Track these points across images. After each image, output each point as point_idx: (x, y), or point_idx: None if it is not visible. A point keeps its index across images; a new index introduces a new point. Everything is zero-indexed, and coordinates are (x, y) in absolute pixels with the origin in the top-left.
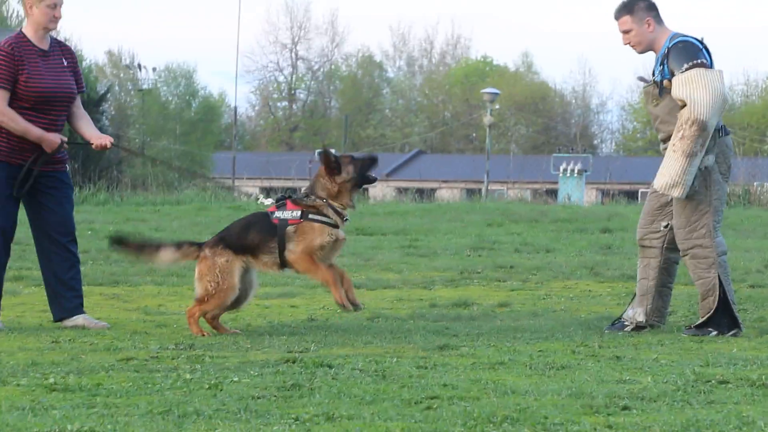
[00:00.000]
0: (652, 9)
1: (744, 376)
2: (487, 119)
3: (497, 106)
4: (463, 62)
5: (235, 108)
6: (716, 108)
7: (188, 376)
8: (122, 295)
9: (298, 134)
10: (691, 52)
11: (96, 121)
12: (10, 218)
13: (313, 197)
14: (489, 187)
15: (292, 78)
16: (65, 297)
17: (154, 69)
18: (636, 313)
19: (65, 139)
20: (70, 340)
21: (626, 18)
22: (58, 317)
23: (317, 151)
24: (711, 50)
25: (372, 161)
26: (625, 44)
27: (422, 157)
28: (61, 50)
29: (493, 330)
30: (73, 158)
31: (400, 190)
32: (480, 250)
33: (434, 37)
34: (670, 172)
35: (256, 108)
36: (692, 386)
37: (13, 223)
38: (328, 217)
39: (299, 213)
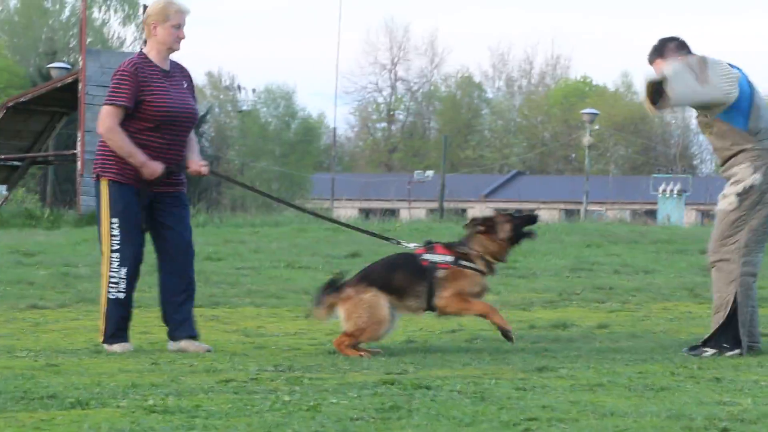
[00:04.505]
0: (683, 47)
1: None
2: (587, 140)
3: (596, 127)
4: (563, 83)
5: (335, 129)
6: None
7: (287, 398)
8: (221, 317)
9: (397, 155)
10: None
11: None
12: (139, 244)
13: (466, 247)
14: (588, 208)
15: (391, 99)
16: (176, 320)
17: (253, 90)
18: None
19: (162, 169)
20: (169, 361)
21: (659, 62)
22: (171, 337)
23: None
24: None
25: (531, 219)
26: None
27: (521, 178)
28: (181, 72)
29: (592, 351)
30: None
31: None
32: (579, 272)
33: (533, 57)
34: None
35: (355, 129)
36: None
37: (142, 248)
38: (478, 265)
39: (451, 258)
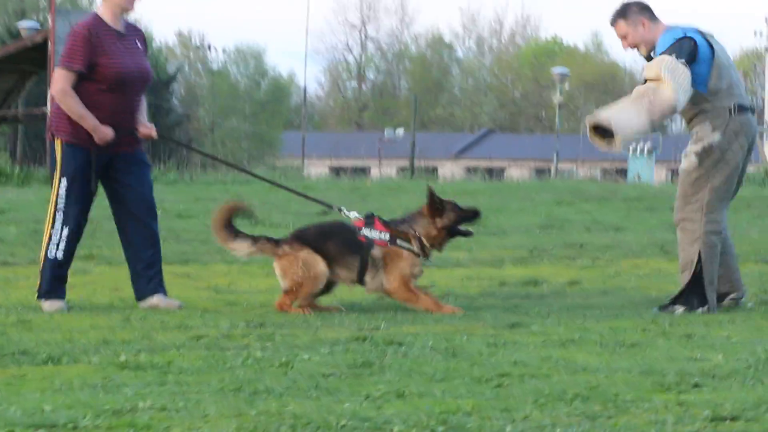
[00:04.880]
0: (645, 10)
1: None
2: (557, 98)
3: (567, 86)
4: (533, 42)
5: (305, 88)
6: (683, 99)
7: (259, 354)
8: (193, 274)
9: (367, 114)
10: (680, 50)
11: (165, 101)
12: (85, 208)
13: (406, 225)
14: (558, 167)
15: (361, 58)
16: (144, 276)
17: (224, 50)
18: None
19: (113, 134)
20: (141, 318)
21: (621, 23)
22: (139, 297)
23: (388, 132)
24: (711, 35)
25: (475, 215)
26: (626, 48)
27: (492, 136)
28: (135, 32)
29: (564, 308)
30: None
31: (469, 170)
32: (550, 229)
33: (504, 17)
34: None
35: (326, 88)
36: (764, 364)
37: (86, 212)
38: (413, 247)
39: (387, 236)
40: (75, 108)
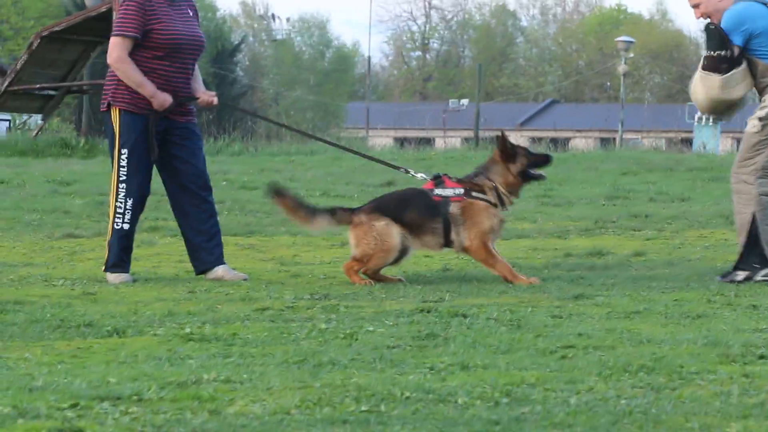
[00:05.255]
0: None
1: None
2: (622, 68)
3: (631, 55)
4: (597, 10)
5: (369, 58)
6: (717, 106)
7: (323, 326)
8: (257, 246)
9: (431, 84)
10: (713, 41)
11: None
12: (147, 177)
13: (481, 177)
14: (623, 137)
15: (425, 27)
16: (205, 249)
17: (287, 19)
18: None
19: (172, 100)
20: (206, 290)
21: None
22: (200, 270)
23: (453, 103)
24: None
25: (546, 159)
26: (698, 17)
27: (556, 106)
28: (186, 1)
29: (628, 279)
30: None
31: (534, 140)
32: (615, 200)
33: None
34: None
35: (390, 58)
36: None
37: (149, 181)
38: (490, 197)
39: (461, 191)
40: (133, 75)
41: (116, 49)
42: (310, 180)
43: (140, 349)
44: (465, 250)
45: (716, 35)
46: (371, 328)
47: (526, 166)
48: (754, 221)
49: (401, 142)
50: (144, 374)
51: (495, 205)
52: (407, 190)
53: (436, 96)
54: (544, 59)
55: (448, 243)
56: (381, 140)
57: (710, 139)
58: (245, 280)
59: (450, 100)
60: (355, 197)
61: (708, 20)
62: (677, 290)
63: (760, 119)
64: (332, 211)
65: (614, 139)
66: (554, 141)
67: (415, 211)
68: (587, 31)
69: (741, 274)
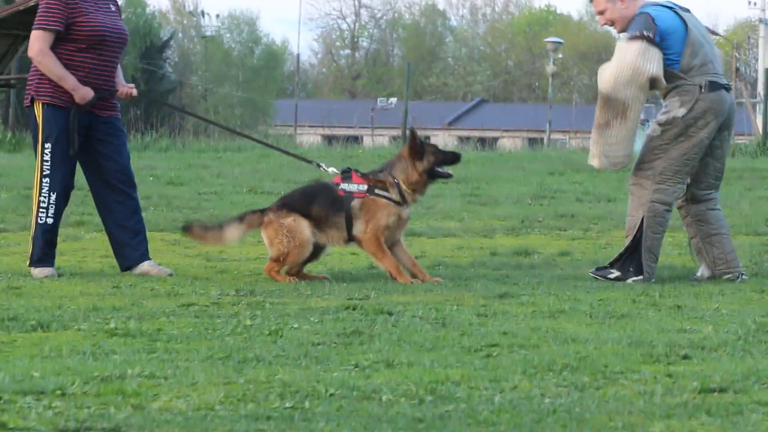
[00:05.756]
0: None
1: None
2: (550, 68)
3: (560, 56)
4: (527, 11)
5: (298, 55)
6: (622, 79)
7: (248, 322)
8: (183, 241)
9: (361, 82)
10: (635, 25)
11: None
12: (70, 170)
13: (385, 173)
14: (551, 137)
15: (354, 26)
16: (130, 245)
17: (217, 16)
18: (703, 271)
19: (93, 95)
20: (131, 285)
21: None
22: (125, 266)
23: (381, 101)
24: (686, 10)
25: (454, 158)
26: (603, 24)
27: (484, 105)
28: None
29: (554, 279)
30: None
31: (462, 139)
32: (541, 199)
33: None
34: (591, 143)
35: (319, 56)
36: (753, 336)
37: (72, 175)
38: (392, 195)
39: (365, 187)
40: (54, 68)
41: (37, 42)
42: (237, 176)
43: (64, 343)
44: (358, 242)
45: (646, 19)
46: (296, 325)
47: (434, 164)
48: (641, 226)
49: (329, 139)
50: (68, 369)
51: (397, 203)
52: (313, 184)
53: (365, 94)
54: (473, 59)
55: (351, 238)
56: (309, 137)
57: (638, 141)
58: (170, 275)
59: (378, 99)
60: (282, 194)
61: (612, 27)
62: (602, 290)
63: (660, 124)
64: (240, 218)
65: (542, 139)
66: (482, 140)
67: (320, 206)
68: (516, 32)
69: (614, 273)
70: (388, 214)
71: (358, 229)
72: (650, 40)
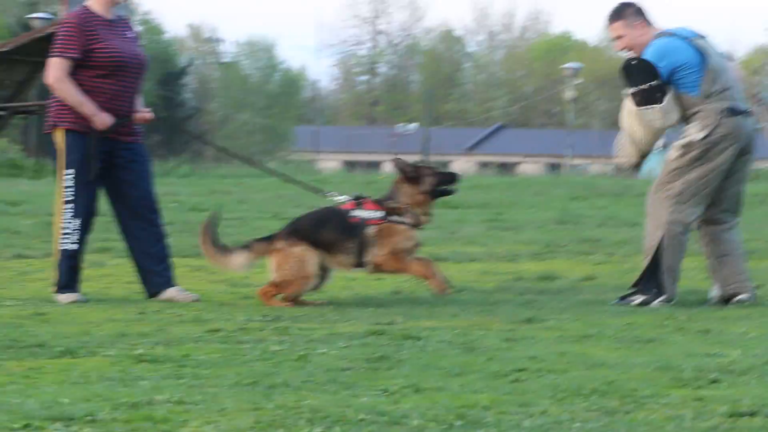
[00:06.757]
0: (641, 12)
1: None
2: (569, 94)
3: (580, 81)
4: (544, 38)
5: (314, 83)
6: (651, 140)
7: (276, 347)
8: (208, 267)
9: (379, 108)
10: (638, 76)
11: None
12: (93, 196)
13: (396, 199)
14: (571, 162)
15: (371, 53)
16: (155, 272)
17: (235, 43)
18: (715, 292)
19: (112, 120)
20: (156, 311)
21: (617, 24)
22: (151, 293)
23: (400, 126)
24: (704, 38)
25: (452, 177)
26: (620, 50)
27: (504, 131)
28: (124, 23)
29: (579, 303)
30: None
31: (482, 165)
32: (565, 224)
33: (515, 11)
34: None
35: (337, 82)
36: None
37: (95, 201)
38: (408, 219)
39: (380, 213)
40: (71, 95)
41: (53, 70)
42: (259, 202)
43: (92, 369)
44: (375, 265)
45: (644, 67)
46: (324, 350)
47: (434, 184)
48: (660, 247)
49: (351, 165)
50: (96, 395)
51: (412, 227)
52: (324, 209)
53: (383, 120)
54: (491, 84)
55: (360, 264)
56: (330, 163)
57: (658, 165)
58: (196, 300)
59: (397, 124)
60: None
61: (629, 53)
62: (628, 314)
63: (682, 146)
64: (248, 246)
65: (561, 164)
66: (503, 165)
67: (331, 231)
68: (534, 57)
69: (639, 298)
70: (406, 238)
71: (375, 253)
72: (655, 91)
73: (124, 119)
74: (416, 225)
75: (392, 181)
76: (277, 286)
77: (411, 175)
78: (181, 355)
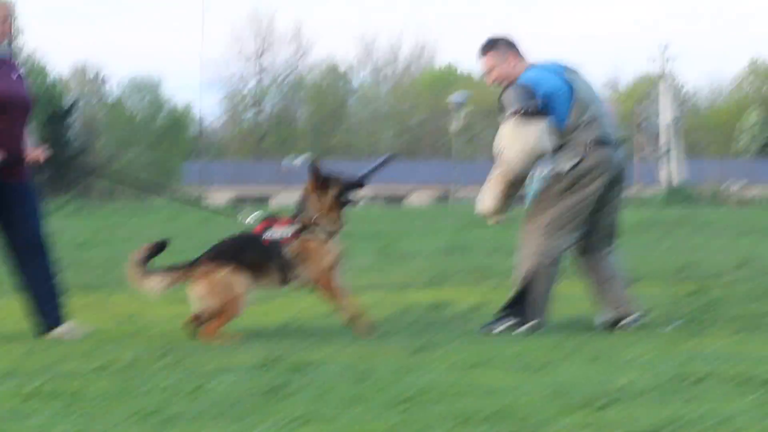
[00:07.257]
0: (513, 46)
1: (722, 372)
2: (454, 126)
3: (468, 110)
4: (428, 72)
5: (200, 120)
6: (529, 160)
7: (168, 381)
8: (96, 303)
9: (266, 143)
10: (517, 97)
11: (63, 134)
12: None
13: (303, 215)
14: (458, 193)
15: (257, 89)
16: (46, 310)
17: (118, 83)
18: (603, 316)
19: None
20: (44, 348)
21: (490, 56)
22: (42, 330)
23: (287, 160)
24: (574, 70)
25: (360, 183)
26: (491, 82)
27: (392, 163)
28: (9, 63)
29: (470, 331)
30: (44, 170)
31: (372, 197)
32: (453, 253)
33: (399, 46)
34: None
35: (223, 118)
36: (671, 383)
37: None
38: (318, 233)
39: (289, 231)
40: None
41: None
42: (147, 238)
43: None
44: (306, 284)
45: (524, 90)
46: (215, 383)
47: (341, 191)
48: (526, 278)
49: (239, 200)
50: None
51: (327, 238)
52: (239, 235)
53: (271, 154)
54: (377, 118)
55: (285, 281)
56: (220, 196)
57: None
58: (84, 337)
59: (284, 159)
60: (196, 253)
61: (502, 84)
62: (519, 341)
63: (546, 179)
64: (166, 270)
65: (449, 194)
66: (391, 197)
67: (251, 254)
68: (420, 91)
69: (498, 326)
70: (324, 253)
71: (303, 275)
72: (536, 113)
73: (4, 162)
74: (330, 235)
75: (301, 190)
76: (216, 315)
77: (320, 181)
78: (70, 391)
